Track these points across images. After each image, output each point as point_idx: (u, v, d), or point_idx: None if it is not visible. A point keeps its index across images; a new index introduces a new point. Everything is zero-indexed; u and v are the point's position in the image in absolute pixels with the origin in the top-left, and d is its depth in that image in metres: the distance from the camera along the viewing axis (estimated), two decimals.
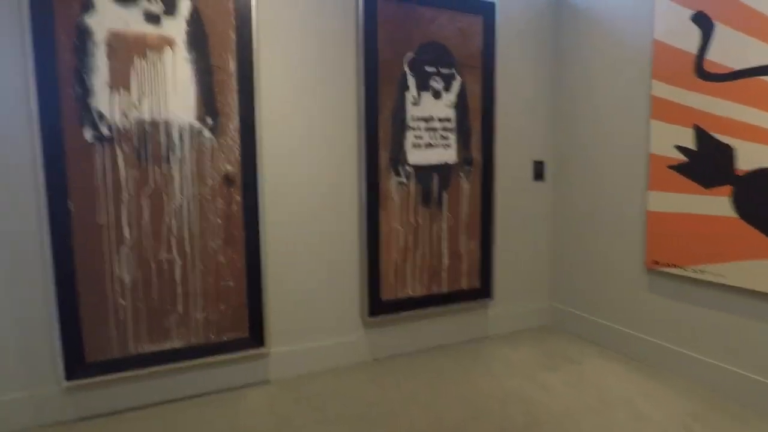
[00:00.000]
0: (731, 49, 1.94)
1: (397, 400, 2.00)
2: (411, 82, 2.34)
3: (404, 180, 2.37)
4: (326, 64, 2.20)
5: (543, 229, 2.88)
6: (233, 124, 1.97)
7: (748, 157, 1.90)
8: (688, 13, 2.08)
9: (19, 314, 1.76)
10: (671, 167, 2.19)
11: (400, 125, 2.34)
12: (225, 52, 1.94)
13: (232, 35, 1.95)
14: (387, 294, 2.38)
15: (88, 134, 1.75)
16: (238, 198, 2.01)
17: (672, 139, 2.18)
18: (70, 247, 1.76)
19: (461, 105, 2.49)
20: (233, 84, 1.96)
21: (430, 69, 2.39)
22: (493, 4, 2.51)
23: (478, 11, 2.49)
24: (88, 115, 1.74)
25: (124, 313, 1.86)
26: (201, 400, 2.01)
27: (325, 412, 1.91)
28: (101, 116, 1.76)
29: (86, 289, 1.80)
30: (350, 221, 2.31)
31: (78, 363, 1.80)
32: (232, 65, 1.95)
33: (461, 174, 2.52)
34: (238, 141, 1.99)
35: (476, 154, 2.55)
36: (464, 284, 2.59)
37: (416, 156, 2.39)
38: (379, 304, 2.36)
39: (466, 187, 2.54)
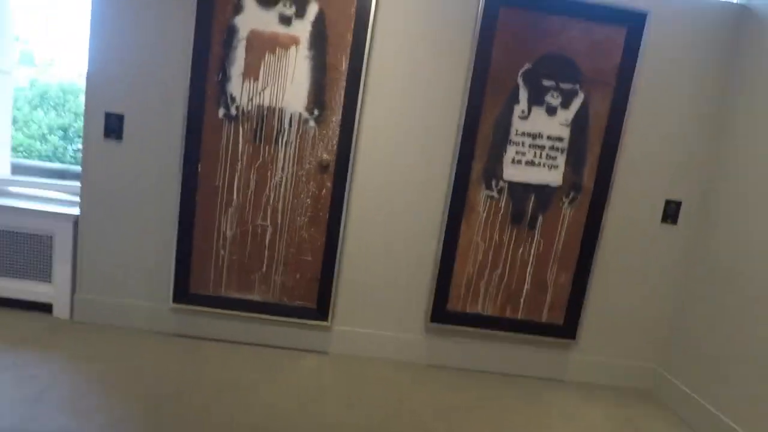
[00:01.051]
0: None
1: (425, 412, 2.03)
2: (522, 94, 2.25)
3: (495, 194, 2.31)
4: (436, 69, 2.26)
5: (662, 280, 2.47)
6: (336, 118, 2.20)
7: None
8: None
9: (154, 246, 2.31)
10: None
11: (501, 138, 2.27)
12: (340, 52, 2.17)
13: (349, 37, 2.16)
14: (454, 305, 2.38)
15: (221, 112, 2.17)
16: (329, 184, 2.25)
17: None
18: (195, 200, 2.23)
19: (579, 124, 2.28)
20: (342, 82, 2.18)
21: (547, 83, 2.25)
22: (644, 15, 2.21)
23: (622, 22, 2.23)
24: (223, 97, 2.16)
25: (223, 262, 2.29)
26: (268, 350, 2.35)
27: (354, 398, 2.05)
28: (233, 99, 2.17)
29: (200, 235, 2.26)
30: (432, 225, 2.36)
31: (184, 291, 2.29)
32: (344, 64, 2.17)
33: (564, 199, 2.33)
34: (338, 133, 2.21)
35: (588, 180, 2.32)
36: (544, 317, 2.41)
37: (514, 172, 2.30)
38: (443, 313, 2.38)
39: (569, 214, 2.34)
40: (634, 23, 2.23)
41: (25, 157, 4.30)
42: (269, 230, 2.28)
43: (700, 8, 2.29)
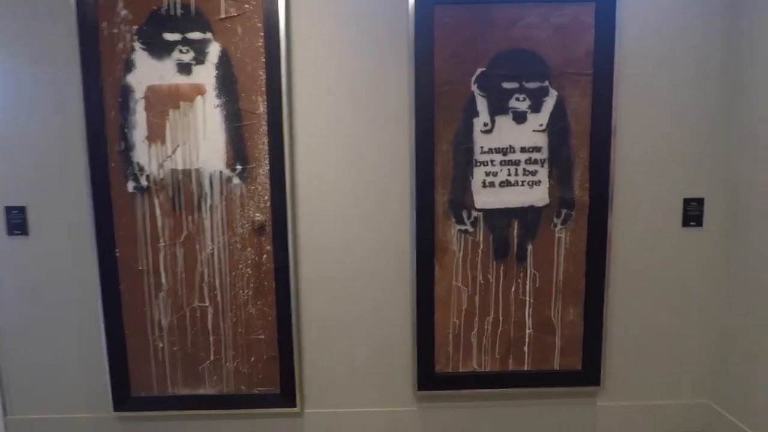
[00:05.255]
0: None
1: None
2: (481, 104, 1.91)
3: (469, 228, 1.97)
4: (372, 93, 1.96)
5: (697, 296, 2.07)
6: (263, 170, 1.92)
7: None
8: None
9: (81, 348, 2.08)
10: None
11: (464, 160, 1.94)
12: (254, 94, 1.90)
13: (262, 75, 1.88)
14: (443, 366, 2.04)
15: (130, 186, 1.92)
16: (269, 247, 1.97)
17: None
18: (118, 289, 1.98)
19: (558, 128, 1.93)
20: (263, 127, 1.91)
21: (509, 85, 1.90)
22: None
23: None
24: (129, 168, 1.92)
25: (163, 355, 2.03)
26: None
27: None
28: (141, 168, 1.92)
29: (131, 328, 2.02)
30: (399, 277, 2.04)
31: (124, 396, 2.04)
32: (261, 107, 1.90)
33: (555, 219, 1.97)
34: (269, 187, 1.93)
35: (580, 192, 1.95)
36: (557, 364, 2.04)
37: (487, 197, 1.96)
38: (432, 377, 2.04)
39: (564, 236, 1.98)
40: None
41: None
42: (210, 311, 2.00)
43: None
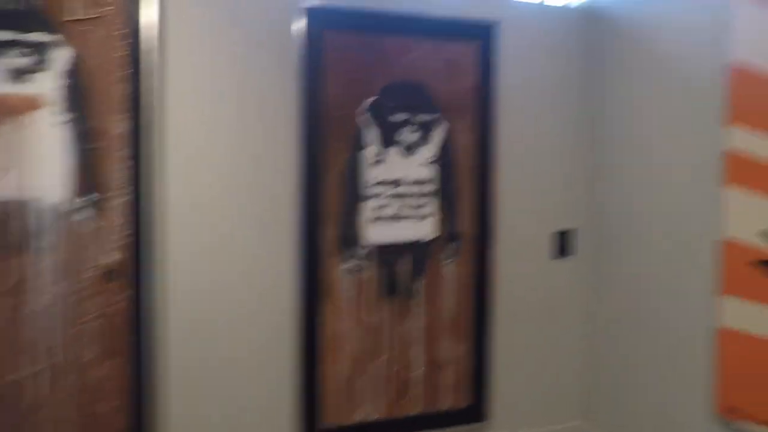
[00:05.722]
0: None
1: None
2: (371, 135, 1.86)
3: (358, 265, 1.87)
4: (257, 120, 1.79)
5: (571, 325, 2.19)
6: (118, 202, 1.63)
7: None
8: None
9: None
10: (762, 263, 1.45)
11: (352, 193, 1.86)
12: (111, 111, 1.61)
13: (124, 88, 1.61)
14: (331, 418, 1.87)
15: None
16: (122, 296, 1.65)
17: (761, 220, 1.45)
18: None
19: (445, 161, 1.94)
20: (120, 151, 1.62)
21: (399, 117, 1.88)
22: (493, 27, 1.95)
23: (472, 36, 1.95)
24: None
25: None
26: None
27: None
28: None
29: None
30: (284, 321, 1.84)
31: None
32: (121, 126, 1.62)
33: (444, 254, 1.96)
34: (126, 223, 1.64)
35: (466, 226, 1.98)
36: (448, 403, 1.99)
37: (377, 232, 1.89)
38: None
39: (452, 270, 1.97)
40: (485, 36, 1.96)
41: None
42: (46, 376, 1.60)
43: (548, 15, 2.11)
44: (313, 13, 1.78)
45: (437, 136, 1.94)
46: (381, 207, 1.89)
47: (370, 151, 1.87)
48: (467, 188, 1.99)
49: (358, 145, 1.86)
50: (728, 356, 1.58)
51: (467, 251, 1.99)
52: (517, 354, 2.13)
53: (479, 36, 1.97)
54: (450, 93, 1.95)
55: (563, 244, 2.16)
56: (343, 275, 1.86)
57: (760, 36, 1.48)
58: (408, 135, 1.91)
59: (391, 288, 1.92)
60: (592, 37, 2.12)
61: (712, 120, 1.61)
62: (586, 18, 2.13)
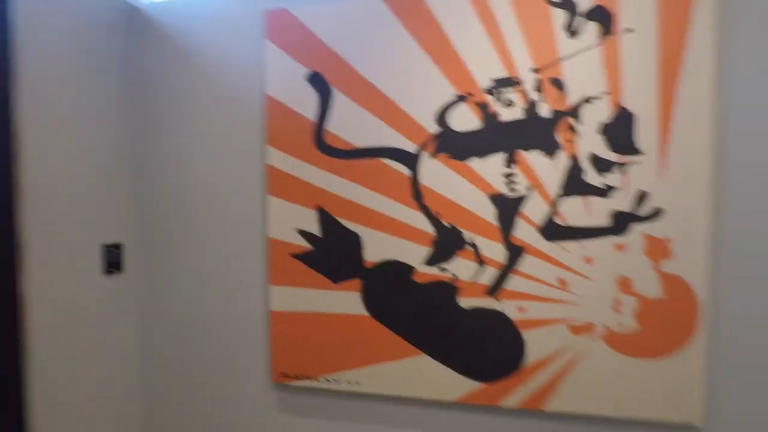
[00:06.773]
0: (351, 123, 1.78)
1: None
2: None
3: None
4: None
5: (120, 339, 2.00)
6: None
7: (374, 248, 1.78)
8: (304, 71, 1.81)
9: None
10: (295, 256, 1.86)
11: None
12: None
13: None
14: None
15: None
16: None
17: (294, 222, 1.85)
18: None
19: None
20: None
21: None
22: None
23: None
24: None
25: None
26: None
27: None
28: None
29: None
30: None
31: None
32: None
33: None
34: None
35: None
36: None
37: None
38: None
39: None
40: None
41: None
42: None
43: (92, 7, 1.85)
44: None
45: None
46: None
47: None
48: None
49: None
50: (278, 333, 1.91)
51: None
52: (60, 378, 1.74)
53: None
54: None
55: (111, 260, 1.91)
56: None
57: (284, 75, 1.89)
58: None
59: None
60: (136, 45, 2.01)
61: (258, 139, 1.91)
62: (137, 24, 2.00)
